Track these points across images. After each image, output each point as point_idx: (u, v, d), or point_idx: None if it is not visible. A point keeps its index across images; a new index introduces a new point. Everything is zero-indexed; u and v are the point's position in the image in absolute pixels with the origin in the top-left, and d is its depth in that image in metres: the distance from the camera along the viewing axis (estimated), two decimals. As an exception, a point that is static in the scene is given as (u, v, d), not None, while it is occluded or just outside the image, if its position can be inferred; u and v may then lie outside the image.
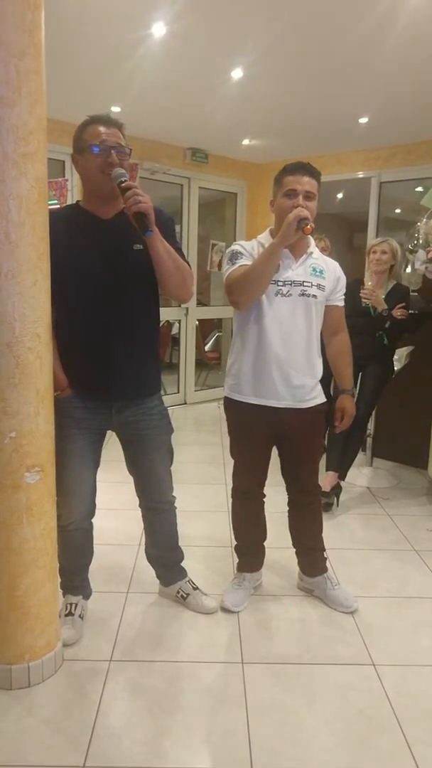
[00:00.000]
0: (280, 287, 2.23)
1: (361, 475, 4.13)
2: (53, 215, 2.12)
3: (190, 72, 3.85)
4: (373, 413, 3.99)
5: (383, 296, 3.65)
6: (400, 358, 4.12)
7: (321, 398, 2.38)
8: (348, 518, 3.45)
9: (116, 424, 2.19)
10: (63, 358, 2.10)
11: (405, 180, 5.68)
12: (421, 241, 3.89)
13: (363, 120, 4.82)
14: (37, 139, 1.78)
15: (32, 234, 1.80)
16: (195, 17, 3.05)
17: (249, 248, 2.28)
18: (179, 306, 6.13)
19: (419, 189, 5.56)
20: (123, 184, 1.90)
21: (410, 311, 3.75)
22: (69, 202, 5.00)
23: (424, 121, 4.76)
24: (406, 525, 3.36)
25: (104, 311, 2.05)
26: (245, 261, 2.24)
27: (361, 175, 5.85)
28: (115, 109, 4.56)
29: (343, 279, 2.39)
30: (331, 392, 2.54)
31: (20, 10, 1.68)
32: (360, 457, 4.03)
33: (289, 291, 2.23)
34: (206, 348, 7.51)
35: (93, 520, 2.32)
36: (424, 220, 3.94)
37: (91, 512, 2.29)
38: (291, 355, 2.26)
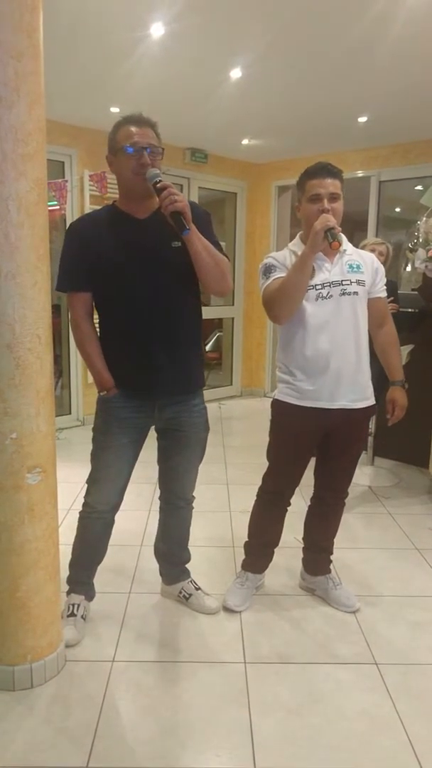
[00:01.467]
0: (320, 290, 2.20)
1: (362, 474, 4.13)
2: (92, 218, 2.16)
3: (189, 72, 3.85)
4: (377, 411, 3.98)
5: None
6: (401, 357, 4.11)
7: (372, 399, 2.35)
8: (350, 517, 3.45)
9: (158, 421, 2.21)
10: (106, 358, 2.13)
11: (404, 179, 5.68)
12: (421, 240, 3.90)
13: (362, 119, 4.81)
14: (36, 140, 1.78)
15: (32, 235, 1.80)
16: (193, 18, 3.05)
17: (281, 259, 2.27)
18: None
19: (419, 188, 5.56)
20: (158, 184, 1.91)
21: (407, 309, 3.74)
22: (69, 203, 5.03)
23: (424, 119, 4.75)
24: (407, 523, 3.36)
25: (145, 310, 2.06)
26: (279, 273, 2.23)
27: (360, 174, 5.85)
28: (114, 109, 4.56)
29: (382, 270, 2.35)
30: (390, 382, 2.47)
31: (18, 12, 1.68)
32: (362, 456, 4.02)
33: (329, 293, 2.20)
34: (207, 348, 7.51)
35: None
36: (424, 218, 3.94)
37: (117, 504, 2.30)
38: (341, 355, 2.22)
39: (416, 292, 4.12)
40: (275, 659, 2.17)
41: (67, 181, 5.00)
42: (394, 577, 2.77)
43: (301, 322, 2.23)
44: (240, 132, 5.44)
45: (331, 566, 2.60)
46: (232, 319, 6.99)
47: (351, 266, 2.26)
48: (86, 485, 2.28)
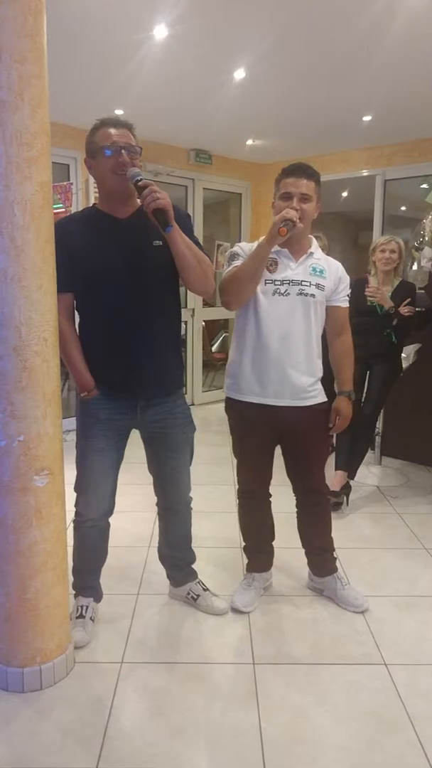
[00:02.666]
0: (278, 286, 2.24)
1: (370, 473, 4.11)
2: (70, 219, 2.17)
3: (193, 73, 3.85)
4: (382, 412, 3.97)
5: (389, 294, 3.64)
6: (408, 356, 4.10)
7: (321, 397, 2.37)
8: (357, 517, 3.44)
9: (140, 423, 2.21)
10: (87, 359, 2.13)
11: (409, 177, 5.66)
12: (426, 238, 3.88)
13: (366, 118, 4.80)
14: (41, 143, 1.79)
15: (37, 238, 1.81)
16: (196, 19, 3.05)
17: (247, 249, 2.29)
18: (185, 307, 6.14)
19: (424, 186, 5.54)
20: (140, 183, 1.92)
21: (417, 308, 3.73)
22: (74, 206, 5.04)
23: (428, 117, 4.74)
24: (415, 523, 3.35)
25: (125, 310, 2.07)
26: (240, 262, 2.25)
27: (365, 173, 5.83)
28: (118, 111, 4.57)
29: (346, 279, 2.38)
30: (336, 392, 2.53)
31: (21, 15, 1.68)
32: (369, 455, 4.01)
33: (287, 290, 2.24)
34: (213, 349, 7.51)
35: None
36: (430, 217, 3.93)
37: (109, 510, 2.30)
38: (289, 353, 2.26)
39: (423, 291, 4.10)
40: (283, 660, 2.16)
41: (72, 183, 5.01)
42: (402, 577, 2.76)
43: (255, 314, 2.27)
44: (244, 132, 5.44)
45: (339, 566, 2.60)
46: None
47: (314, 269, 2.29)
48: (75, 494, 2.26)
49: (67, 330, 2.12)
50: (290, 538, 2.58)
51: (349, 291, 2.41)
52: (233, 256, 2.30)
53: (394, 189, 5.86)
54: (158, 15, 3.01)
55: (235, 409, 2.38)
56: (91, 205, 2.18)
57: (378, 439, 4.21)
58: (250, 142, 5.71)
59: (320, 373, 2.36)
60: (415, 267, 4.10)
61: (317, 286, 2.27)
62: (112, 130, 1.99)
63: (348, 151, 5.84)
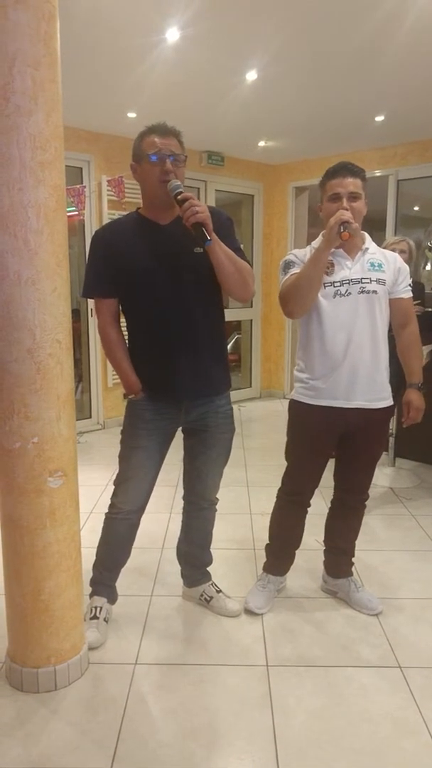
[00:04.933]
0: (338, 287, 2.20)
1: (383, 475, 4.09)
2: (114, 225, 2.21)
3: (205, 75, 3.86)
4: (395, 412, 3.94)
5: None
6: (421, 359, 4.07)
7: (390, 400, 2.33)
8: (371, 519, 3.42)
9: (184, 423, 2.24)
10: (133, 362, 2.17)
11: (423, 177, 5.62)
12: (440, 239, 3.86)
13: (379, 118, 4.79)
14: (54, 146, 1.80)
15: (51, 241, 1.82)
16: (208, 21, 3.06)
17: (301, 256, 2.27)
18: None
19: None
20: (179, 196, 1.94)
21: (426, 309, 3.70)
22: (86, 209, 5.08)
23: (441, 116, 4.72)
24: (429, 525, 3.33)
25: (168, 314, 2.09)
26: (297, 270, 2.23)
27: (378, 173, 5.81)
28: (131, 114, 4.60)
29: (406, 270, 2.32)
30: (405, 384, 2.46)
31: (35, 21, 1.70)
32: (382, 457, 3.98)
33: (347, 290, 2.20)
34: (226, 350, 7.50)
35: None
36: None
37: (142, 506, 2.32)
38: (358, 354, 2.22)
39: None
40: (298, 662, 2.16)
41: (85, 186, 5.04)
42: (416, 579, 2.74)
43: (318, 319, 2.23)
44: (256, 134, 5.44)
45: (353, 568, 2.59)
46: (251, 321, 6.98)
47: (373, 264, 2.24)
48: (113, 487, 2.30)
49: (114, 334, 2.17)
50: (306, 541, 2.57)
51: (410, 281, 2.34)
52: (289, 265, 2.27)
53: (407, 189, 5.83)
54: (170, 18, 3.02)
55: (302, 412, 2.32)
56: (135, 210, 2.20)
57: (391, 440, 4.19)
58: (262, 143, 5.71)
59: (388, 371, 2.32)
60: (428, 267, 4.08)
61: (378, 281, 2.23)
62: (158, 138, 2.02)
63: (360, 151, 5.82)
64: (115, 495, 2.31)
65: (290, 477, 2.45)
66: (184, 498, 2.44)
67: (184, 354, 2.11)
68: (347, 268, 2.22)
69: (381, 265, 2.25)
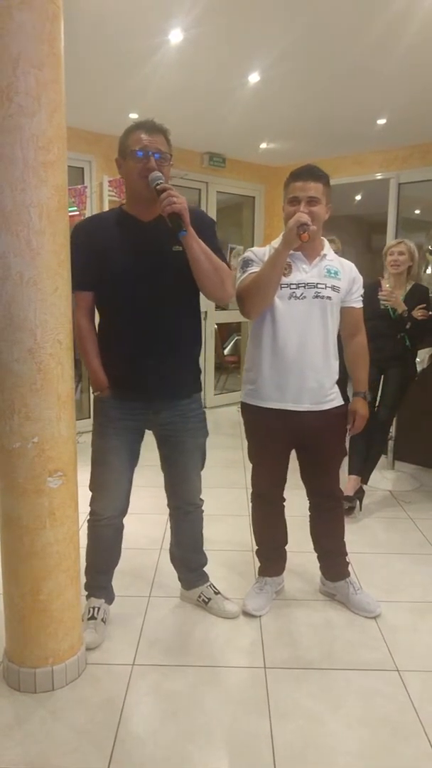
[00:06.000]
0: (294, 290, 2.22)
1: (383, 478, 4.09)
2: (96, 218, 2.19)
3: (207, 77, 3.86)
4: (395, 416, 3.95)
5: (402, 297, 3.62)
6: (422, 360, 4.08)
7: (339, 400, 2.36)
8: (370, 522, 3.42)
9: (153, 424, 2.22)
10: (102, 359, 2.15)
11: (425, 180, 5.63)
12: (441, 242, 3.86)
13: (381, 121, 4.79)
14: (57, 147, 1.80)
15: (53, 241, 1.82)
16: (211, 23, 3.06)
17: (261, 254, 2.28)
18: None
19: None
20: (159, 186, 1.94)
21: (430, 313, 3.71)
22: (88, 209, 5.08)
23: (443, 120, 4.72)
24: (429, 528, 3.33)
25: (142, 312, 2.08)
26: (255, 268, 2.24)
27: (379, 176, 5.81)
28: (133, 115, 4.60)
29: (360, 280, 2.37)
30: (349, 395, 2.52)
31: (40, 22, 1.70)
32: (382, 460, 3.99)
33: (302, 293, 2.23)
34: (225, 352, 7.51)
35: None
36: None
37: (124, 509, 2.31)
38: (307, 357, 2.25)
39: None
40: (295, 665, 2.16)
41: (86, 186, 5.04)
42: (415, 582, 2.74)
43: (271, 319, 2.25)
44: (258, 136, 5.44)
45: (351, 571, 2.58)
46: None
47: (329, 271, 2.27)
48: (90, 492, 2.28)
49: (85, 327, 2.14)
50: (303, 542, 2.58)
51: (362, 291, 2.39)
52: (246, 263, 2.28)
53: (408, 192, 5.84)
54: (173, 19, 3.03)
55: (253, 414, 2.36)
56: (119, 206, 2.20)
57: (391, 443, 4.19)
58: (263, 145, 5.71)
59: (337, 376, 2.35)
60: (429, 270, 4.08)
61: (333, 288, 2.26)
62: (145, 135, 2.01)
63: (362, 153, 5.83)
64: (94, 501, 2.27)
65: (256, 478, 2.48)
66: (169, 505, 2.41)
67: (155, 354, 2.09)
68: (304, 272, 2.25)
69: (337, 273, 2.29)
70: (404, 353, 3.70)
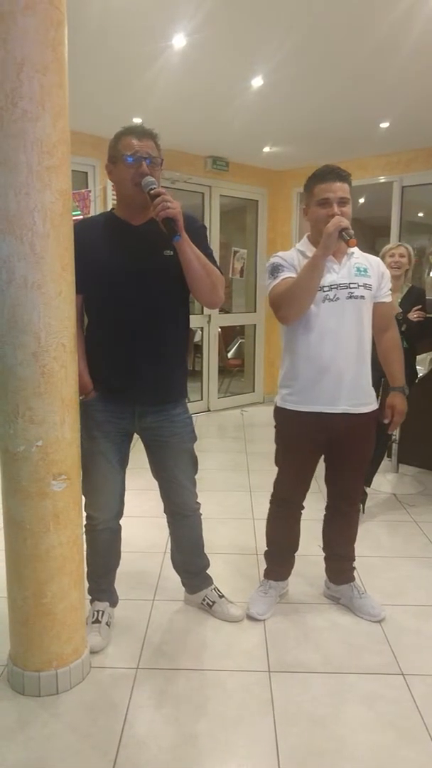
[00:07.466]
0: (326, 292, 2.19)
1: (386, 481, 4.08)
2: (86, 222, 2.19)
3: (211, 81, 3.88)
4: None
5: (399, 299, 3.63)
6: (424, 366, 4.08)
7: (375, 404, 2.33)
8: (374, 525, 3.42)
9: (139, 429, 2.21)
10: (89, 361, 2.15)
11: (427, 184, 5.63)
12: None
13: (384, 124, 4.80)
14: (61, 151, 1.81)
15: (57, 245, 1.83)
16: (215, 28, 3.07)
17: (289, 259, 2.27)
18: (201, 313, 6.16)
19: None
20: (152, 191, 1.94)
21: (428, 315, 3.70)
22: (92, 213, 5.09)
23: (446, 123, 4.72)
24: (433, 532, 3.32)
25: (130, 315, 2.08)
26: (287, 273, 2.22)
27: (382, 179, 5.82)
28: (137, 120, 4.61)
29: (388, 274, 2.33)
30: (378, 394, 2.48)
31: (44, 27, 1.71)
32: (385, 463, 3.98)
33: (336, 295, 2.20)
34: (229, 355, 7.51)
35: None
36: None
37: (119, 512, 2.31)
38: (344, 359, 2.22)
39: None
40: (299, 668, 2.15)
41: (90, 191, 5.05)
42: (419, 586, 2.73)
43: (305, 323, 2.23)
44: (261, 139, 5.45)
45: (356, 575, 2.58)
46: (254, 325, 6.99)
47: (359, 269, 2.25)
48: (83, 497, 2.24)
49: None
50: (308, 546, 2.57)
51: (390, 285, 2.36)
52: (277, 268, 2.25)
53: (411, 195, 5.84)
54: (177, 24, 3.04)
55: (289, 419, 2.32)
56: (109, 210, 2.20)
57: (394, 446, 4.18)
58: (266, 149, 5.72)
59: (371, 376, 2.32)
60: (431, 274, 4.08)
61: (365, 286, 2.23)
62: (135, 140, 2.01)
63: (365, 157, 5.83)
64: (88, 506, 2.26)
65: (281, 483, 2.46)
66: (166, 511, 2.39)
67: (144, 358, 2.09)
68: (335, 272, 2.22)
69: (366, 270, 2.26)
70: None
